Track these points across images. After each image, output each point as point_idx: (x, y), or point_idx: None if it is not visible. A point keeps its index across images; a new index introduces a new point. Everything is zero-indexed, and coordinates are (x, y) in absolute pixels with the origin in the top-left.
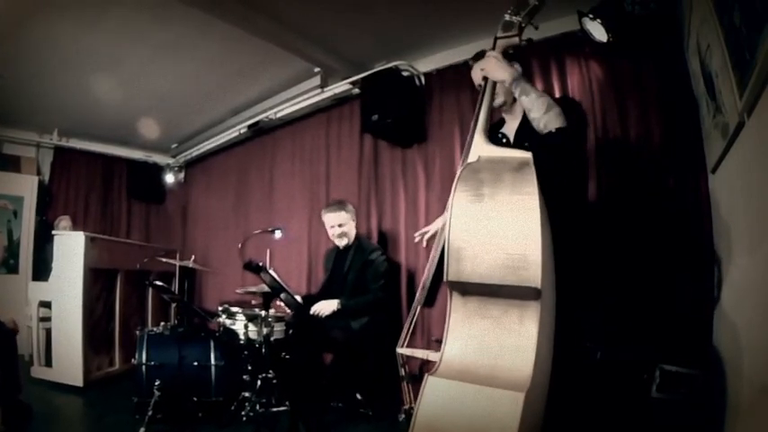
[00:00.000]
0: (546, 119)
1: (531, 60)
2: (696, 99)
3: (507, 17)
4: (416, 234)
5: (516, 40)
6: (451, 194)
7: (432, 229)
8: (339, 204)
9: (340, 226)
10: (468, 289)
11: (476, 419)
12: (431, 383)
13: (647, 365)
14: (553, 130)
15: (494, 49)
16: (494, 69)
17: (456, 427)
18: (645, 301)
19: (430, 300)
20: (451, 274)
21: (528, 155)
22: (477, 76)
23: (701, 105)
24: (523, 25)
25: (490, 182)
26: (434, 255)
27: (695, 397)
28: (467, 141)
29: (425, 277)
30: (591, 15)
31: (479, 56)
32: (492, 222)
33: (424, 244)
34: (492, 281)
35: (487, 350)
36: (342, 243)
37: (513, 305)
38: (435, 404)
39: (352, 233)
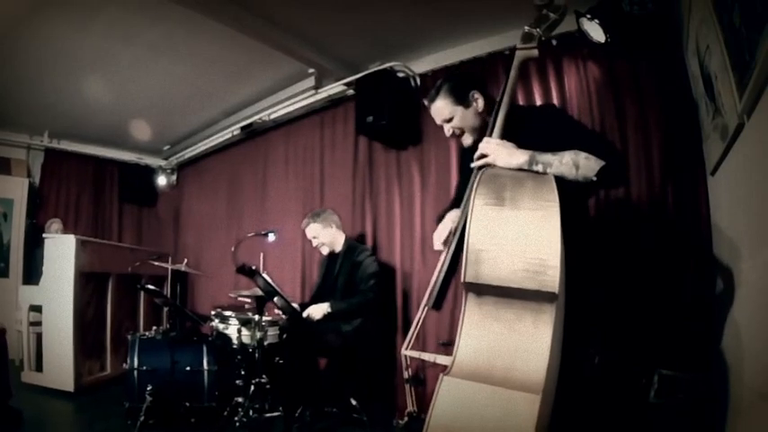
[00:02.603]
0: (582, 173)
1: (529, 61)
2: (695, 100)
3: (527, 29)
4: (437, 242)
5: (536, 52)
6: (471, 197)
7: (445, 230)
8: (310, 217)
9: (315, 238)
10: (485, 291)
11: (492, 420)
12: (446, 383)
13: (645, 370)
14: (594, 179)
15: (512, 58)
16: (504, 157)
17: (471, 427)
18: (643, 304)
19: (438, 302)
20: (469, 275)
21: None
22: (437, 116)
23: (700, 107)
24: (543, 38)
25: (512, 187)
26: (445, 257)
27: (694, 402)
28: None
29: (435, 279)
30: (589, 16)
31: (433, 96)
32: (513, 226)
33: (443, 247)
34: (511, 284)
35: (502, 352)
36: (325, 252)
37: (529, 308)
38: (450, 404)
39: (334, 240)
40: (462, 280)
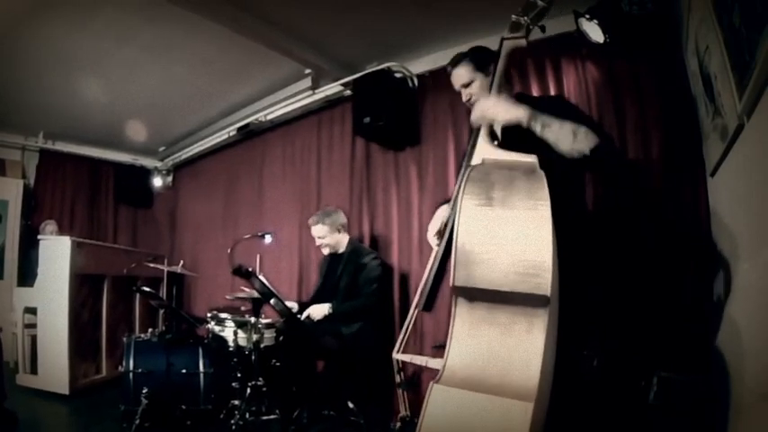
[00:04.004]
0: (578, 145)
1: (527, 61)
2: (695, 101)
3: (515, 18)
4: (431, 237)
5: (524, 41)
6: (459, 196)
7: (435, 225)
8: (318, 217)
9: (320, 238)
10: (476, 295)
11: (483, 429)
12: (436, 391)
13: (644, 372)
14: (588, 152)
15: (500, 49)
16: (503, 111)
17: None
18: (643, 306)
19: (429, 304)
20: (459, 279)
21: (534, 159)
22: (457, 80)
23: (700, 107)
24: (531, 27)
25: (501, 186)
26: (435, 257)
27: (694, 404)
28: (469, 143)
29: (424, 280)
30: (587, 16)
31: (456, 61)
32: (503, 228)
33: (436, 241)
34: (502, 287)
35: (494, 358)
36: (326, 252)
37: (521, 313)
38: (441, 413)
39: (339, 242)
40: (451, 284)
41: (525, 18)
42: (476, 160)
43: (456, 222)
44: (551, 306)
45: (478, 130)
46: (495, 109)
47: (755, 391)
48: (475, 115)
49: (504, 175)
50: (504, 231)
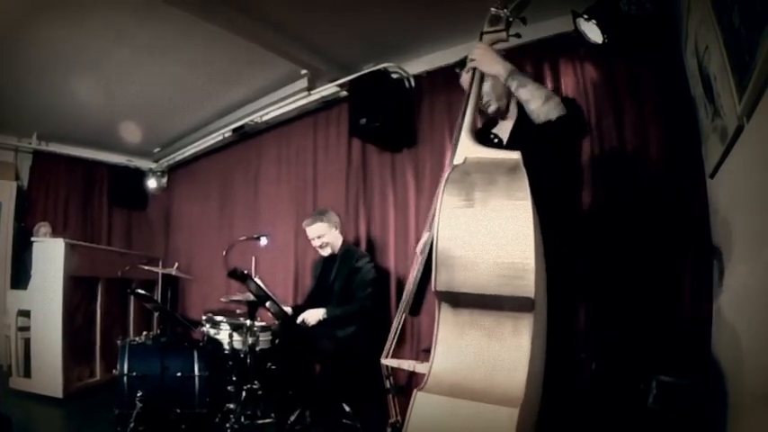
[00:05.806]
0: (546, 109)
1: (524, 62)
2: (694, 101)
3: (494, 11)
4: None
5: (504, 34)
6: (439, 198)
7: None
8: (316, 216)
9: (319, 237)
10: (459, 299)
11: None
12: (420, 399)
13: (643, 376)
14: (553, 119)
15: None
16: (487, 62)
17: None
18: (642, 303)
19: (415, 308)
20: (441, 283)
21: (517, 156)
22: (468, 82)
23: (699, 108)
24: (511, 19)
25: (481, 186)
26: (420, 260)
27: (693, 408)
28: (452, 142)
29: (410, 284)
30: (586, 16)
31: (465, 64)
32: (484, 229)
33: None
34: (485, 291)
35: (479, 364)
36: (326, 253)
37: (506, 316)
38: (425, 421)
39: (336, 242)
40: (434, 289)
41: (505, 10)
42: (458, 159)
43: (436, 225)
44: (538, 307)
45: (461, 127)
46: (482, 59)
47: (756, 392)
48: (465, 80)
49: (484, 175)
50: (485, 233)
